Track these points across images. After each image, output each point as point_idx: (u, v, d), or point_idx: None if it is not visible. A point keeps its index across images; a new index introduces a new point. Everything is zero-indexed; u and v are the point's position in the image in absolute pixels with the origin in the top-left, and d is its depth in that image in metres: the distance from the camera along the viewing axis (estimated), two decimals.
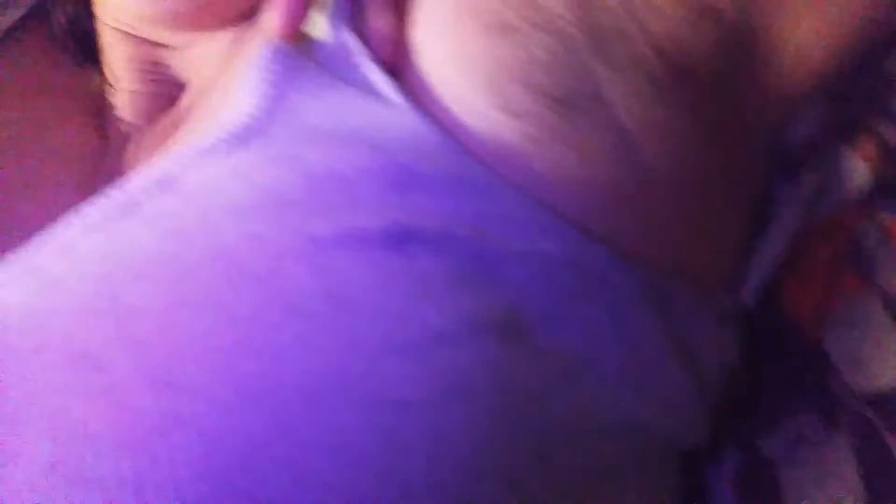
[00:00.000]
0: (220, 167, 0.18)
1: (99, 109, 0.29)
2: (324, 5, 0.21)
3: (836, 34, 0.18)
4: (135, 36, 0.28)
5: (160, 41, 0.28)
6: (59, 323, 0.16)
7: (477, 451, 0.16)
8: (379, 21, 0.20)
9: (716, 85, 0.19)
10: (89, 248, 0.17)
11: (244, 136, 0.18)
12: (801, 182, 0.21)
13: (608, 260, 0.18)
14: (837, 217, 0.22)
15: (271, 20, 0.21)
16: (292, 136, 0.18)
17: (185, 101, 0.28)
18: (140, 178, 0.19)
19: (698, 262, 0.21)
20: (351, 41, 0.20)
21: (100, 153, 0.28)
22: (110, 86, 0.29)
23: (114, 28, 0.28)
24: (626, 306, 0.19)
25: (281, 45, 0.20)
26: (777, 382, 0.24)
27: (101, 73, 0.30)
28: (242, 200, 0.17)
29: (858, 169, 0.21)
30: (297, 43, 0.20)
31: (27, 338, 0.16)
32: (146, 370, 0.15)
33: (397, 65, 0.20)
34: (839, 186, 0.21)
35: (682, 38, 0.18)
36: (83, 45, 0.30)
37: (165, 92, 0.28)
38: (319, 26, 0.21)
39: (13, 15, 0.30)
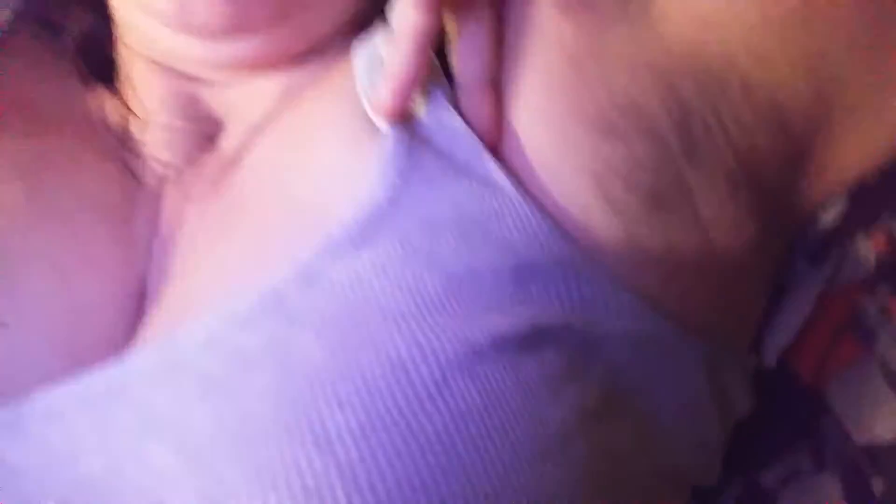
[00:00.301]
0: (360, 262, 0.18)
1: (118, 141, 0.27)
2: (424, 85, 0.21)
3: (876, 152, 0.22)
4: (174, 69, 0.26)
5: (201, 76, 0.26)
6: (246, 439, 0.16)
7: None
8: (482, 105, 0.21)
9: (774, 187, 0.22)
10: (245, 347, 0.17)
11: (376, 228, 0.19)
12: (823, 267, 0.25)
13: (679, 335, 0.21)
14: (848, 292, 0.25)
15: (382, 97, 0.20)
16: (421, 228, 0.19)
17: (227, 141, 0.26)
18: (280, 271, 0.18)
19: (740, 331, 0.24)
20: (456, 123, 0.21)
21: (129, 198, 0.26)
22: (136, 116, 0.26)
23: (149, 58, 0.26)
24: (688, 372, 0.21)
25: (402, 131, 0.20)
26: (776, 423, 0.27)
27: (118, 99, 0.27)
28: (393, 302, 0.17)
29: (869, 256, 0.25)
30: (404, 122, 0.21)
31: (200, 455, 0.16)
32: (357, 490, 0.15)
33: (498, 147, 0.21)
34: (850, 268, 0.25)
35: (757, 146, 0.21)
36: (97, 63, 0.27)
37: (204, 130, 0.26)
38: (421, 106, 0.21)
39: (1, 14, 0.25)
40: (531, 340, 0.18)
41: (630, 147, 0.20)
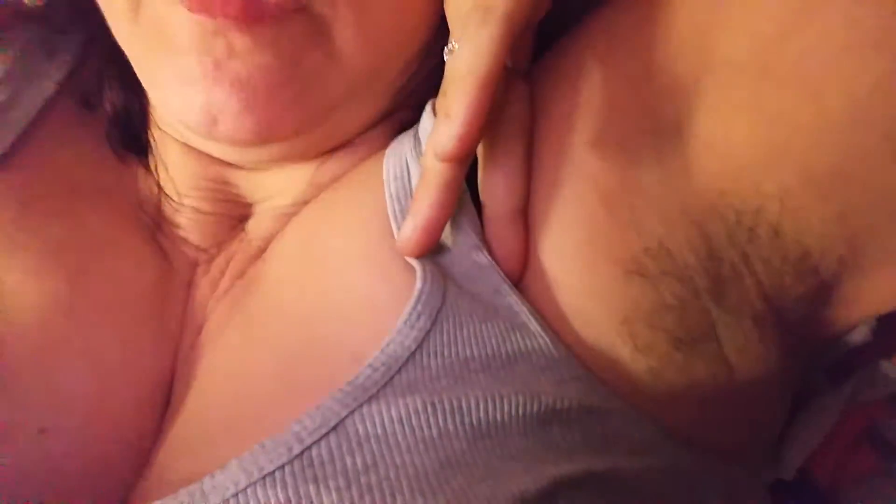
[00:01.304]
0: (385, 412, 0.18)
1: (151, 221, 0.27)
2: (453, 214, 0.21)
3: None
4: (206, 154, 0.26)
5: (232, 161, 0.26)
6: None
7: None
8: (509, 238, 0.21)
9: (800, 320, 0.21)
10: (285, 495, 0.16)
11: (402, 374, 0.18)
12: (844, 386, 0.25)
13: (698, 462, 0.21)
14: (864, 411, 0.25)
15: (408, 234, 0.20)
16: (448, 376, 0.19)
17: (255, 225, 0.27)
18: (309, 418, 0.18)
19: (759, 448, 0.24)
20: (482, 259, 0.21)
21: (161, 279, 0.26)
22: (169, 198, 0.27)
23: (182, 143, 0.26)
24: (707, 494, 0.21)
25: (430, 264, 0.20)
26: None
27: (151, 176, 0.27)
28: (417, 458, 0.17)
29: (892, 376, 0.25)
30: (426, 254, 0.20)
31: None
32: None
33: (520, 279, 0.20)
34: (872, 388, 0.25)
35: (785, 287, 0.20)
36: (132, 140, 0.27)
37: (233, 213, 0.27)
38: (449, 236, 0.21)
39: (32, 104, 0.26)
40: (549, 495, 0.17)
41: (658, 289, 0.20)
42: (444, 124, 0.19)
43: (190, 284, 0.26)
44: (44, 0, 0.27)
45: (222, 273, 0.26)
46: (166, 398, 0.25)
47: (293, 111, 0.22)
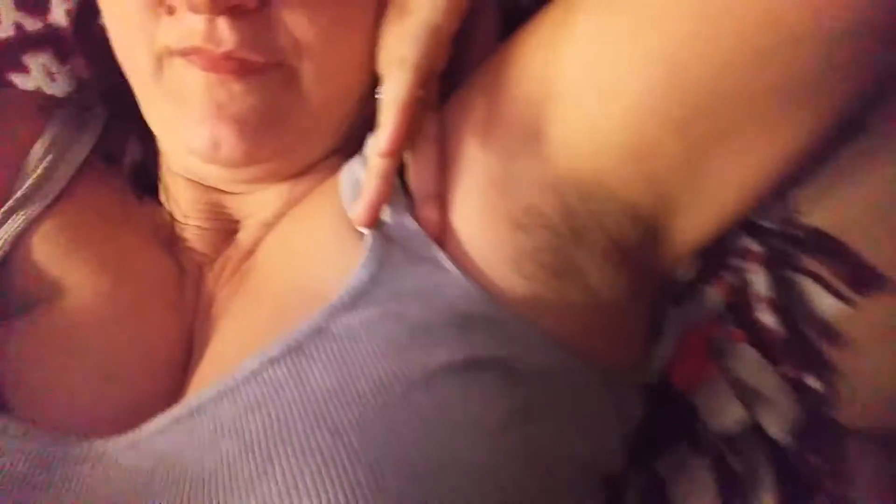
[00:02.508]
0: (352, 320, 0.26)
1: (167, 239, 0.36)
2: (389, 199, 0.30)
3: (707, 228, 0.31)
4: (203, 184, 0.35)
5: (224, 189, 0.35)
6: (284, 431, 0.23)
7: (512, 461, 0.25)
8: (430, 212, 0.30)
9: (640, 256, 0.31)
10: (277, 377, 0.25)
11: (363, 298, 0.27)
12: (684, 308, 0.34)
13: (582, 363, 0.30)
14: (705, 326, 0.35)
15: (360, 210, 0.29)
16: (393, 298, 0.27)
17: (245, 236, 0.35)
18: (298, 329, 0.26)
19: (629, 358, 0.33)
20: (412, 226, 0.29)
21: (177, 278, 0.35)
22: (178, 221, 0.36)
23: (185, 177, 0.35)
24: (591, 389, 0.30)
25: (376, 232, 0.29)
26: (663, 424, 0.36)
27: (164, 208, 0.37)
28: (375, 347, 0.25)
29: (716, 299, 0.34)
30: (376, 225, 0.29)
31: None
32: (355, 465, 0.22)
33: (444, 239, 0.30)
34: (704, 308, 0.35)
35: (623, 231, 0.30)
36: (146, 184, 0.38)
37: (227, 228, 0.36)
38: (387, 214, 0.30)
39: (75, 160, 0.36)
40: (471, 366, 0.26)
41: (534, 237, 0.29)
42: (380, 132, 0.29)
43: (199, 281, 0.35)
44: (75, 89, 0.38)
45: (222, 270, 0.35)
46: (187, 361, 0.33)
47: (273, 138, 0.31)
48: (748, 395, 0.34)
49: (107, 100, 0.37)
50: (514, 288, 0.29)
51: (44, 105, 0.38)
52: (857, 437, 0.38)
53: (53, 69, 0.40)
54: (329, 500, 0.21)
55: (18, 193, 0.33)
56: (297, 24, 0.29)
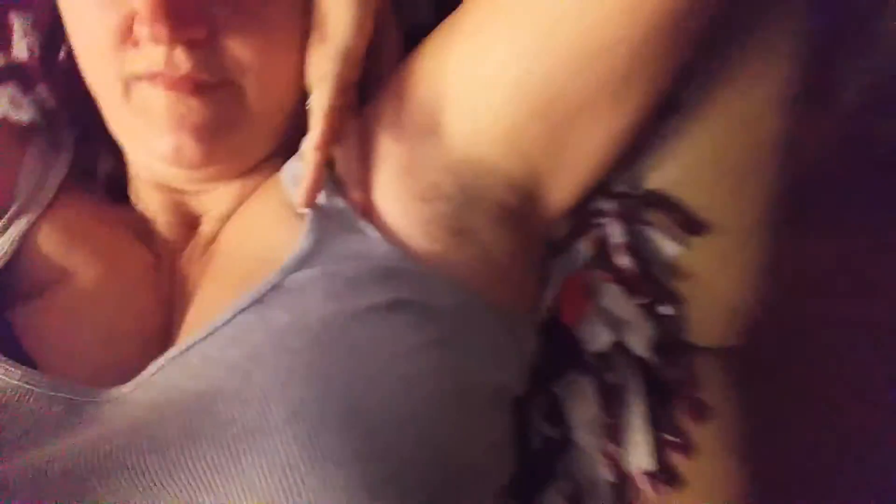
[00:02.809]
0: (300, 276, 0.33)
1: (142, 234, 0.43)
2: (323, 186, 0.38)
3: (570, 194, 0.41)
4: (167, 186, 0.42)
5: (183, 189, 0.42)
6: (256, 359, 0.31)
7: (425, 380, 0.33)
8: (356, 194, 0.37)
9: (522, 216, 0.40)
10: (247, 320, 0.32)
11: (308, 260, 0.34)
12: (561, 258, 0.44)
13: (484, 303, 0.38)
14: (580, 272, 0.44)
15: (301, 195, 0.36)
16: (331, 260, 0.34)
17: (206, 227, 0.43)
18: (259, 285, 0.33)
19: (524, 300, 0.42)
20: (342, 205, 0.37)
21: (154, 264, 0.41)
22: (149, 219, 0.43)
23: (151, 181, 0.43)
24: (493, 324, 0.38)
25: (314, 212, 0.36)
26: (556, 352, 0.45)
27: (136, 209, 0.44)
28: (320, 294, 0.32)
29: (587, 251, 0.44)
30: (314, 205, 0.37)
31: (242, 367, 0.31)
32: (309, 375, 0.30)
33: (367, 213, 0.38)
34: (578, 258, 0.44)
35: (503, 198, 0.39)
36: (118, 189, 0.45)
37: (190, 221, 0.43)
38: (322, 197, 0.38)
39: (58, 176, 0.43)
40: (392, 306, 0.33)
41: (436, 206, 0.38)
42: (312, 133, 0.37)
43: (173, 265, 0.42)
44: (41, 116, 0.44)
45: (191, 255, 0.42)
46: (169, 328, 0.39)
47: (226, 142, 0.39)
48: (616, 323, 0.44)
49: (74, 123, 0.43)
50: (424, 247, 0.37)
51: (21, 134, 0.43)
52: (704, 352, 0.48)
53: (18, 98, 0.46)
54: (294, 399, 0.29)
55: (17, 204, 0.40)
56: (239, 50, 0.36)
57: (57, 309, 0.36)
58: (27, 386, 0.32)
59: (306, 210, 0.37)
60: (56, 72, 0.44)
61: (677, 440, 0.45)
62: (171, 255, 0.42)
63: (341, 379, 0.30)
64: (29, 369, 0.33)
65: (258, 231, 0.39)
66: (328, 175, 0.39)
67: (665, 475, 0.44)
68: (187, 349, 0.33)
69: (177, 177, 0.41)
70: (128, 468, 0.29)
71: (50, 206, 0.40)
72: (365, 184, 0.38)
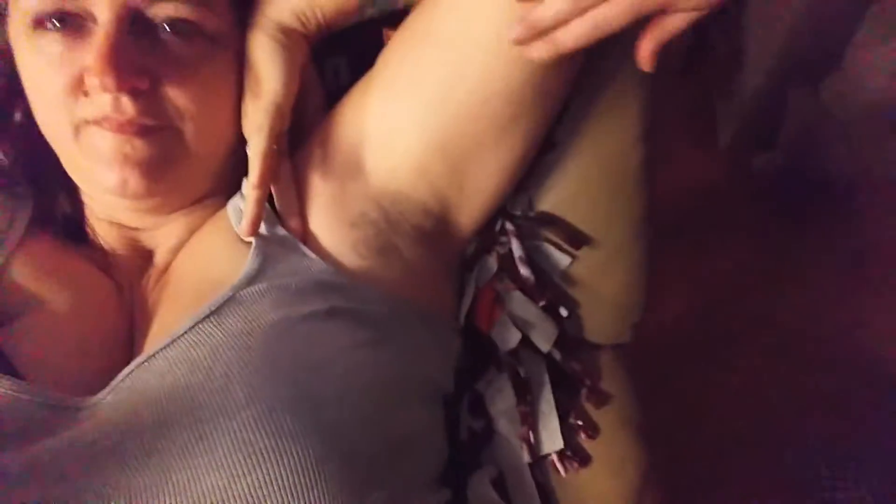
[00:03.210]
0: (251, 290, 0.39)
1: (102, 265, 0.48)
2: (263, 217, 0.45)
3: (474, 217, 0.49)
4: (120, 224, 0.48)
5: (135, 226, 0.48)
6: (226, 357, 0.36)
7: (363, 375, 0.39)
8: (293, 222, 0.44)
9: (438, 236, 0.48)
10: (207, 328, 0.37)
11: (256, 277, 0.40)
12: (473, 272, 0.52)
13: (412, 311, 0.45)
14: (490, 283, 0.52)
15: (244, 226, 0.42)
16: (276, 275, 0.40)
17: (159, 258, 0.48)
18: (215, 299, 0.39)
19: (444, 308, 0.49)
20: (282, 232, 0.43)
21: (116, 291, 0.47)
22: (107, 252, 0.48)
23: (107, 219, 0.48)
24: (417, 328, 0.45)
25: (257, 239, 0.42)
26: (477, 354, 0.53)
27: (95, 245, 0.49)
28: (267, 305, 0.38)
29: (493, 264, 0.52)
30: (256, 234, 0.43)
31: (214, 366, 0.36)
32: (262, 366, 0.36)
33: (303, 239, 0.44)
34: (488, 272, 0.52)
35: (420, 222, 0.47)
36: (77, 230, 0.50)
37: (144, 255, 0.49)
38: (264, 226, 0.44)
39: (23, 221, 0.48)
40: (330, 313, 0.39)
41: (365, 229, 0.45)
42: (251, 175, 0.43)
43: (132, 292, 0.47)
44: (2, 175, 0.49)
45: (147, 284, 0.47)
46: (130, 335, 0.45)
47: (167, 177, 0.44)
48: (522, 324, 0.51)
49: (32, 174, 0.48)
50: (356, 264, 0.44)
51: None
52: (599, 348, 0.57)
53: None
54: (252, 384, 0.35)
55: None
56: (179, 98, 0.42)
57: (35, 330, 0.41)
58: (15, 394, 0.36)
59: (251, 238, 0.43)
60: (10, 132, 0.49)
61: (581, 423, 0.52)
62: (130, 283, 0.47)
63: (290, 368, 0.36)
64: (16, 380, 0.37)
65: (208, 258, 0.45)
66: (268, 210, 0.45)
67: (573, 454, 0.51)
68: (153, 355, 0.38)
69: (126, 209, 0.46)
70: (109, 452, 0.34)
71: (18, 246, 0.45)
72: (301, 215, 0.45)
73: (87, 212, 0.48)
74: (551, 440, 0.51)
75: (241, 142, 0.46)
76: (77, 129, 0.42)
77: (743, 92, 1.24)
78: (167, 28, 0.41)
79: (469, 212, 0.49)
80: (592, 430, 0.52)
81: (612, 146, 0.51)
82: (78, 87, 0.41)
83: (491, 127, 0.44)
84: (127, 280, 0.47)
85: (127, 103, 0.40)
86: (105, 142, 0.41)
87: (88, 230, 0.49)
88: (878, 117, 1.23)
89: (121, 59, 0.38)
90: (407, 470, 0.40)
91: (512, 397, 0.51)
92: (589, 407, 0.53)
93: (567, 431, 0.51)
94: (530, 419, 0.51)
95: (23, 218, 0.47)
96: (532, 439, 0.50)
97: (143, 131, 0.41)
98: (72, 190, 0.46)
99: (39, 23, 0.40)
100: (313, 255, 0.43)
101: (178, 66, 0.42)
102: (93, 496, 0.33)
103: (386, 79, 0.46)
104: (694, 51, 1.28)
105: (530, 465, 0.51)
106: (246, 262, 0.42)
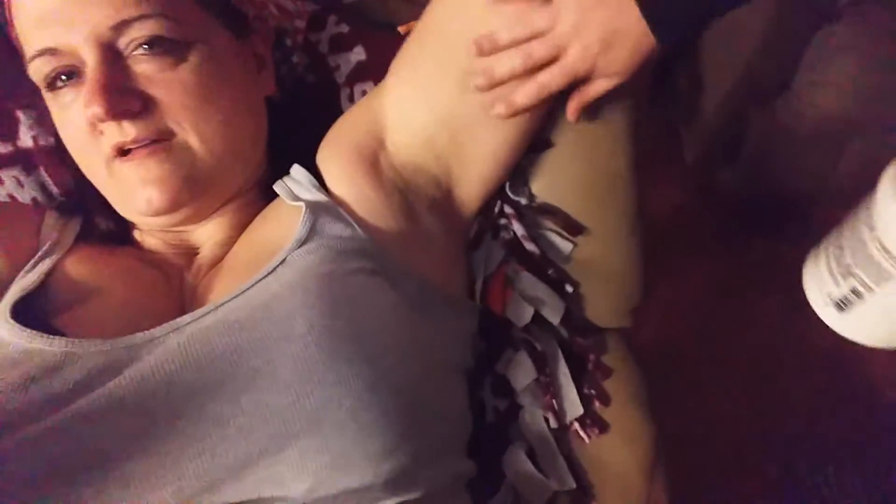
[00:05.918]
0: (301, 251, 0.43)
1: (149, 262, 0.51)
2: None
3: (477, 194, 0.54)
4: (163, 230, 0.52)
5: (177, 229, 0.52)
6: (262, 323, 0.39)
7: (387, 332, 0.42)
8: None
9: (446, 208, 0.53)
10: (267, 284, 0.41)
11: (306, 240, 0.43)
12: (479, 253, 0.57)
13: (437, 291, 0.49)
14: (501, 266, 0.57)
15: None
16: (324, 239, 0.44)
17: (207, 251, 0.52)
18: (270, 262, 0.43)
19: (458, 278, 0.54)
20: (324, 198, 0.47)
21: (164, 281, 0.50)
22: (154, 251, 0.53)
23: (148, 230, 0.53)
24: (439, 302, 0.50)
25: (307, 204, 0.46)
26: (494, 335, 0.57)
27: (141, 248, 0.53)
28: (317, 261, 0.42)
29: (501, 251, 0.57)
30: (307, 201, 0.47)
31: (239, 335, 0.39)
32: (319, 303, 0.40)
33: (346, 209, 0.47)
34: (495, 257, 0.57)
35: (434, 191, 0.51)
36: (124, 235, 0.55)
37: (188, 250, 0.52)
38: (312, 192, 0.48)
39: (73, 231, 0.53)
40: (369, 272, 0.43)
41: (390, 194, 0.49)
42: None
43: (181, 281, 0.51)
44: (40, 193, 0.54)
45: (198, 272, 0.51)
46: None
47: (186, 188, 0.47)
48: (532, 301, 0.56)
49: (79, 199, 0.54)
50: (385, 231, 0.48)
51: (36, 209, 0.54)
52: (606, 331, 0.61)
53: (21, 179, 0.55)
54: (311, 316, 0.39)
55: (41, 251, 0.49)
56: (171, 109, 0.45)
57: (90, 314, 0.44)
58: (69, 350, 0.40)
59: (301, 204, 0.47)
60: (56, 159, 0.54)
61: (594, 392, 0.56)
62: (179, 274, 0.51)
63: (343, 307, 0.40)
64: (67, 338, 0.40)
65: (261, 236, 0.49)
66: (312, 178, 0.50)
67: (592, 421, 0.55)
68: (217, 307, 0.42)
69: (162, 224, 0.50)
70: (183, 383, 0.38)
71: (69, 251, 0.49)
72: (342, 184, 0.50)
73: (130, 225, 0.53)
74: (573, 407, 0.55)
75: (256, 127, 0.51)
76: (108, 165, 0.47)
77: (705, 113, 1.33)
78: (145, 49, 0.45)
79: (467, 185, 0.53)
80: (606, 399, 0.57)
81: (603, 146, 0.57)
82: (94, 127, 0.45)
83: (483, 103, 0.49)
84: (176, 271, 0.51)
85: (127, 126, 0.45)
86: (126, 171, 0.46)
87: (135, 236, 0.53)
88: (827, 134, 1.33)
89: (106, 89, 0.43)
90: (436, 430, 0.44)
91: (532, 372, 0.55)
92: (599, 377, 0.58)
93: (584, 400, 0.55)
94: (552, 388, 0.55)
95: (73, 229, 0.51)
96: (555, 406, 0.54)
97: (152, 151, 0.46)
98: (110, 209, 0.51)
99: (51, 84, 0.46)
100: (353, 223, 0.47)
101: (164, 81, 0.45)
102: (165, 425, 0.37)
103: (399, 66, 0.52)
104: (657, 86, 1.39)
105: (555, 432, 0.54)
106: (297, 228, 0.45)
